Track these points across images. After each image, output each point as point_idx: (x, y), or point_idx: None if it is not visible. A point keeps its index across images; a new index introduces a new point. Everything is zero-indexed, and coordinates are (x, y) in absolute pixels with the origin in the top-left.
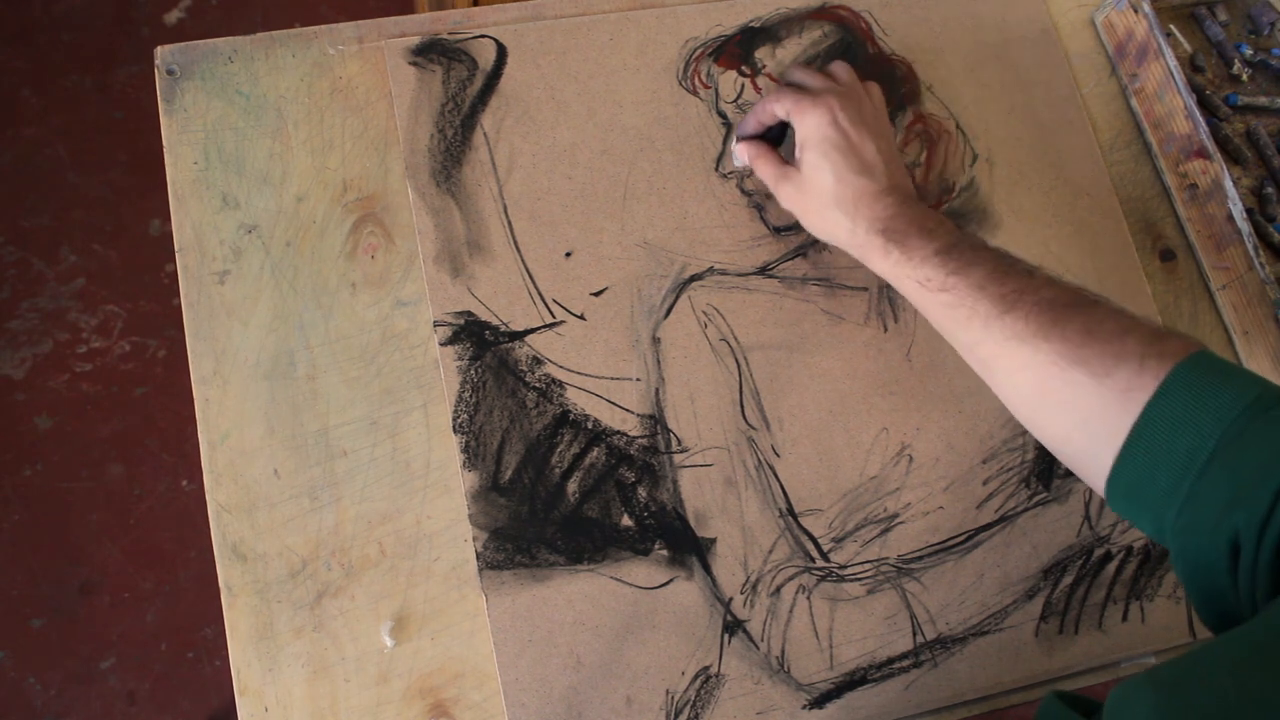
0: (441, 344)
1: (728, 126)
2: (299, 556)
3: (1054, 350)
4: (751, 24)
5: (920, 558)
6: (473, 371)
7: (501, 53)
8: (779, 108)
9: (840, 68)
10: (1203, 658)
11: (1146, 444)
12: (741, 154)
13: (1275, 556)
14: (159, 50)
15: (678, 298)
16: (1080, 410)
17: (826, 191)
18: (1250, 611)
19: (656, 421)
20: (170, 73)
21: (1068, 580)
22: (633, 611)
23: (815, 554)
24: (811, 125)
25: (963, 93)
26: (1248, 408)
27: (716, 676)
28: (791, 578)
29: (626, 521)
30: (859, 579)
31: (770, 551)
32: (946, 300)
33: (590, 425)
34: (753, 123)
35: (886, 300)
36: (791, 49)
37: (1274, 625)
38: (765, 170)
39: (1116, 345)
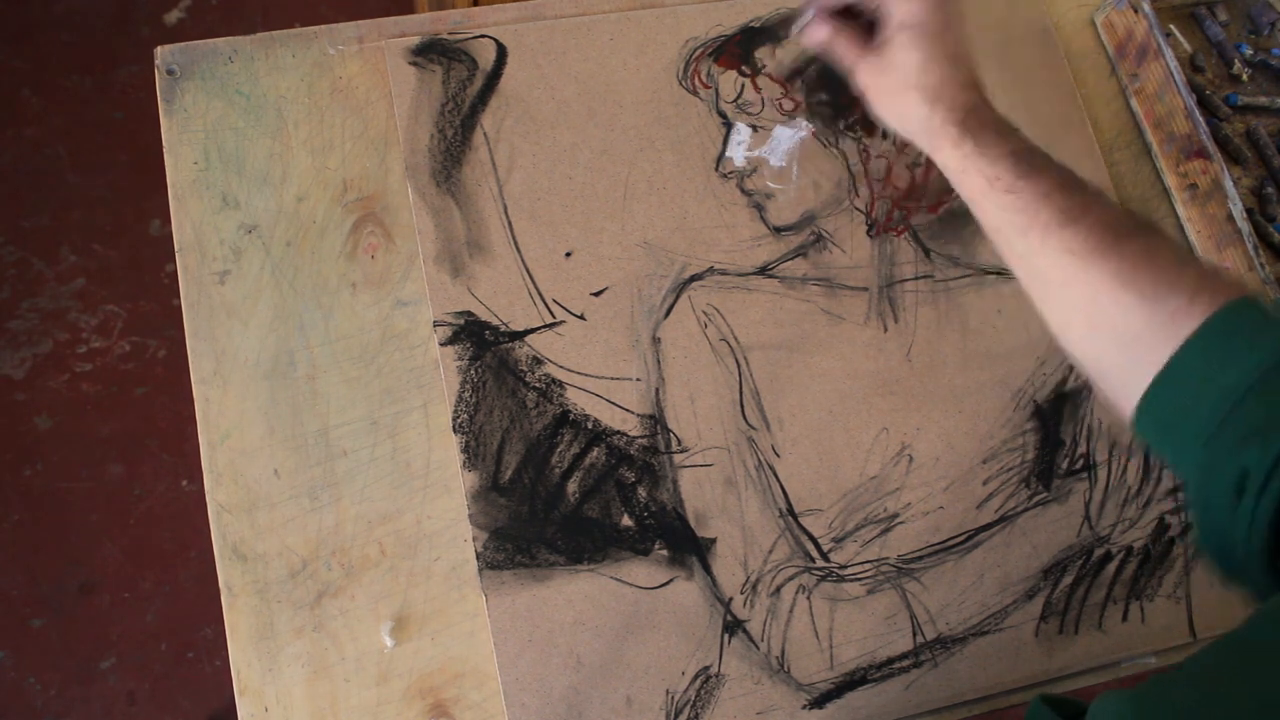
0: (441, 344)
1: (728, 126)
2: (299, 556)
3: (1109, 269)
4: (751, 24)
5: (920, 558)
6: (473, 371)
7: (501, 53)
8: None
9: None
10: (1178, 674)
11: (1183, 375)
12: (818, 29)
13: (1276, 506)
14: (159, 50)
15: (678, 298)
16: (1125, 332)
17: (911, 74)
18: (1243, 555)
19: (656, 421)
20: (170, 73)
21: (1068, 580)
22: (633, 611)
23: (815, 554)
24: (914, 6)
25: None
26: None
27: (716, 676)
28: (791, 578)
29: (626, 521)
30: (859, 579)
31: (770, 551)
32: (1010, 203)
33: (590, 425)
34: (824, 3)
35: (886, 300)
36: (791, 49)
37: (1246, 640)
38: (846, 47)
39: (1172, 274)
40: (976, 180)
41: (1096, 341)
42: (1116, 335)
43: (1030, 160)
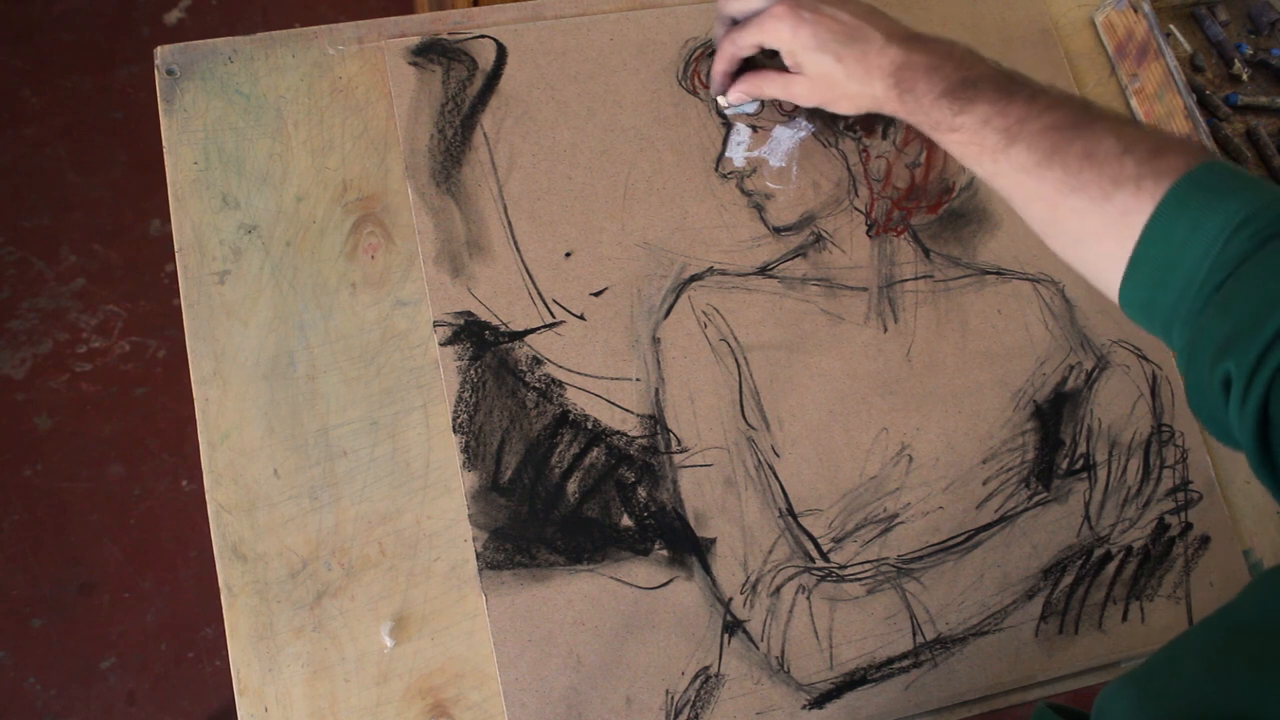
0: (441, 344)
1: (728, 126)
2: (299, 556)
3: (1055, 179)
4: None
5: (920, 558)
6: (473, 371)
7: (501, 53)
8: (744, 40)
9: None
10: (1176, 651)
11: (1146, 268)
12: (739, 94)
13: (1258, 413)
14: (159, 50)
15: (678, 298)
16: (1086, 236)
17: (837, 74)
18: (1245, 444)
19: (656, 421)
20: (170, 73)
21: (1068, 580)
22: (633, 611)
23: (815, 554)
24: (786, 31)
25: None
26: (1235, 230)
27: (716, 676)
28: (791, 578)
29: (626, 521)
30: (859, 579)
31: (770, 551)
32: (958, 139)
33: (590, 425)
34: (721, 71)
35: (886, 300)
36: None
37: (1240, 619)
38: (771, 87)
39: (1114, 168)
40: (926, 127)
41: (1069, 247)
42: (1081, 240)
43: (963, 92)
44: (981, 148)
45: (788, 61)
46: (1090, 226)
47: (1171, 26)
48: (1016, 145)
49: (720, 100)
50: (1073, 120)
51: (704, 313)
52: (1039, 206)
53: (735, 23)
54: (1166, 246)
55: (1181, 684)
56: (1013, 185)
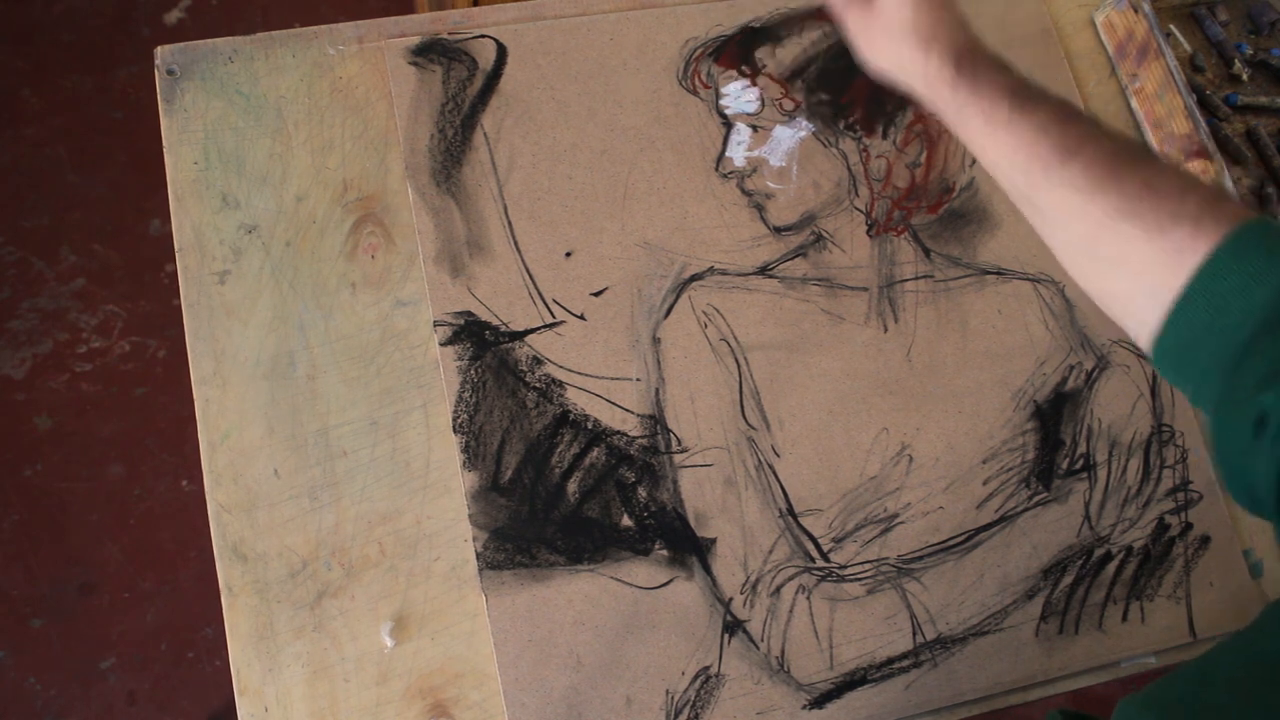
0: (441, 344)
1: (728, 126)
2: (299, 556)
3: (1110, 203)
4: (751, 24)
5: (920, 558)
6: (473, 371)
7: (501, 53)
8: None
9: None
10: (1200, 677)
11: (1195, 309)
12: None
13: None
14: (159, 50)
15: (678, 298)
16: (1131, 266)
17: (905, 19)
18: (1264, 491)
19: (656, 421)
20: (170, 73)
21: (1068, 580)
22: (633, 611)
23: (815, 554)
24: None
25: None
26: None
27: (716, 676)
28: (791, 578)
29: (626, 521)
30: (859, 579)
31: (770, 551)
32: (1008, 140)
33: (590, 425)
34: None
35: (886, 300)
36: (791, 49)
37: (1264, 649)
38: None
39: (1174, 203)
40: (974, 119)
41: (1106, 276)
42: (1123, 269)
43: (1026, 94)
44: (1032, 155)
45: None
46: (1136, 256)
47: (1171, 26)
48: (1074, 161)
49: None
50: (1132, 151)
51: (704, 313)
52: (1081, 226)
53: None
54: (1222, 290)
55: (1210, 715)
56: (1056, 200)
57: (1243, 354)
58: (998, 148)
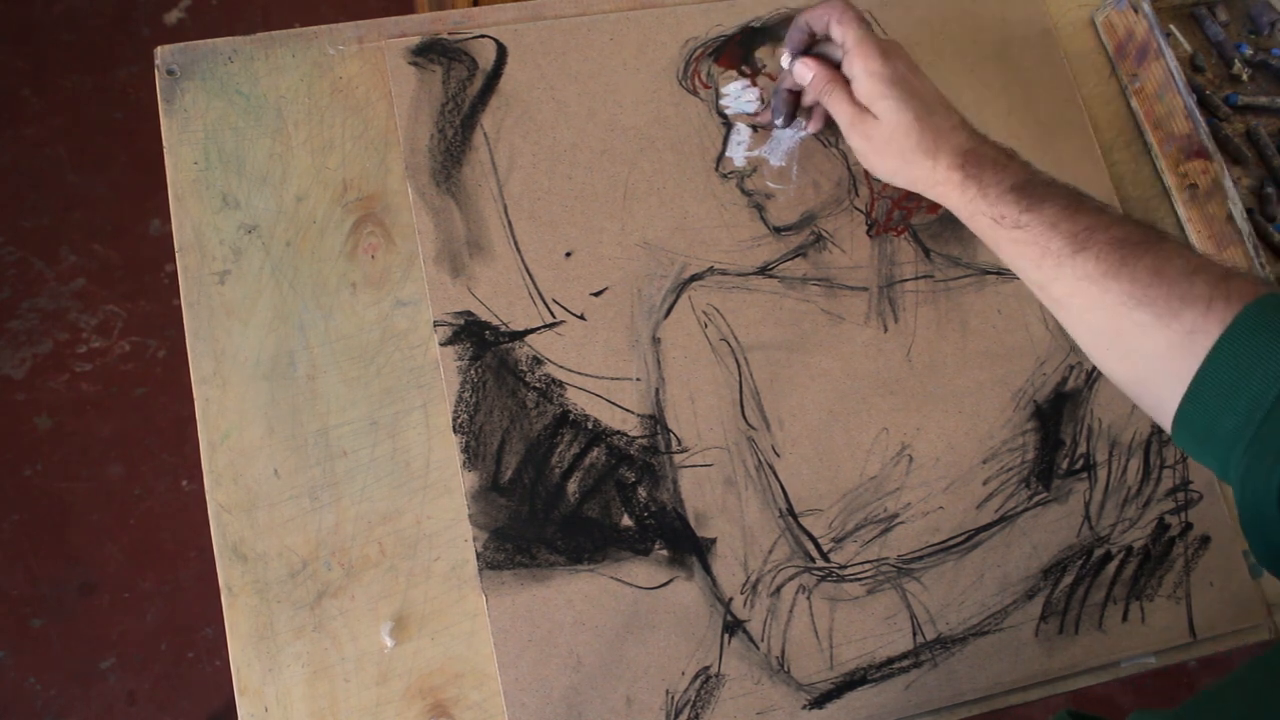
0: (441, 344)
1: (728, 126)
2: (299, 556)
3: (1122, 291)
4: (751, 24)
5: (920, 558)
6: (473, 371)
7: (501, 53)
8: (843, 32)
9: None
10: (1220, 692)
11: (1210, 389)
12: (806, 73)
13: None
14: (159, 50)
15: (678, 298)
16: (1147, 352)
17: (910, 132)
18: None
19: (656, 421)
20: (170, 73)
21: (1068, 580)
22: (633, 611)
23: (815, 554)
24: (890, 66)
25: (963, 93)
26: None
27: (716, 676)
28: (791, 578)
29: (626, 521)
30: (859, 579)
31: (770, 551)
32: (1020, 238)
33: (590, 425)
34: (799, 38)
35: (886, 300)
36: None
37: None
38: (841, 108)
39: (1183, 286)
40: (983, 222)
41: (1124, 362)
42: (1140, 355)
43: (1033, 192)
44: (1045, 250)
45: (860, 93)
46: (1153, 343)
47: (1171, 26)
48: (1085, 253)
49: (785, 60)
50: (1141, 236)
51: (704, 313)
52: (1097, 316)
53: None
54: (1234, 369)
55: (1226, 715)
56: (1070, 292)
57: (1261, 426)
58: (1012, 245)
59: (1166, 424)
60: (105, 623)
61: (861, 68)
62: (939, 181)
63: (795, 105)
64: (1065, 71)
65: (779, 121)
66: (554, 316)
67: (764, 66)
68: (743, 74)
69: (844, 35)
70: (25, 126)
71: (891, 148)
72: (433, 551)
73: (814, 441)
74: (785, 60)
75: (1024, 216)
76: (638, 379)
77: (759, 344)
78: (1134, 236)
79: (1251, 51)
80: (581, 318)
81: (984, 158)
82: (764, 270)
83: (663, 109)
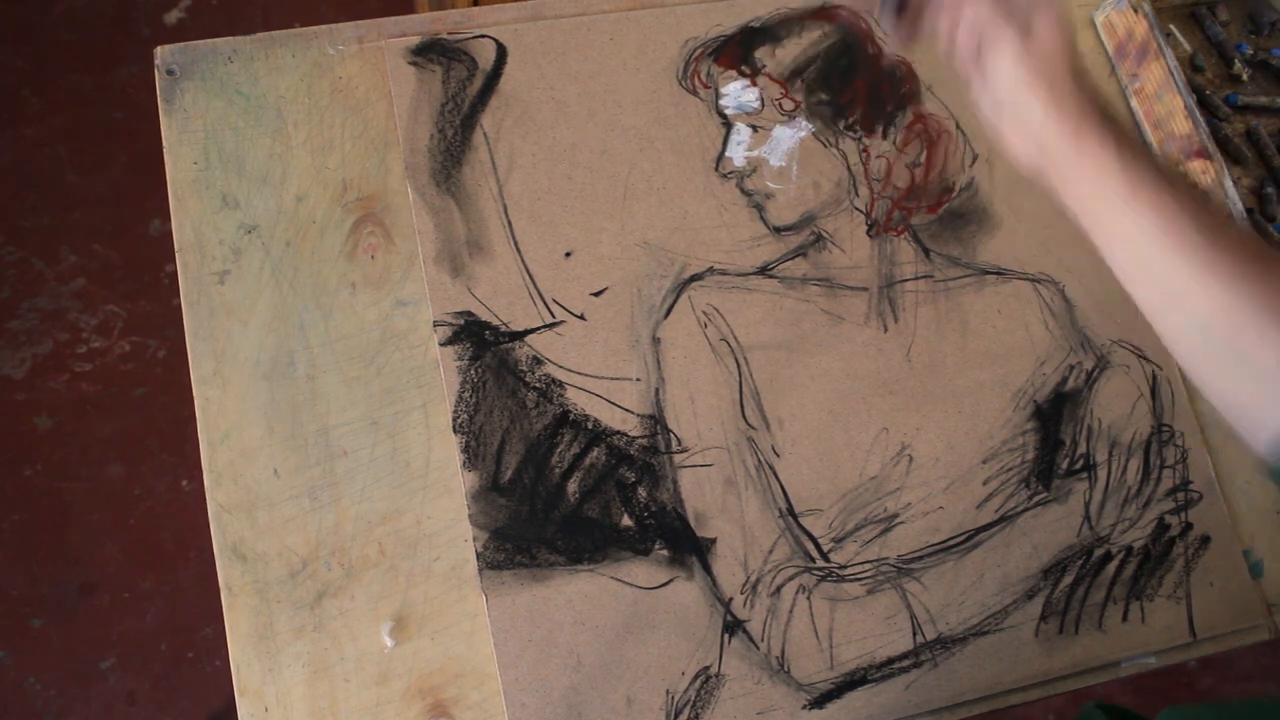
0: (441, 344)
1: (728, 126)
2: (299, 556)
3: (1257, 297)
4: (751, 24)
5: (920, 558)
6: (473, 371)
7: (501, 53)
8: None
9: None
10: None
11: None
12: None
13: None
14: (159, 50)
15: (678, 298)
16: (1264, 367)
17: (1068, 58)
18: None
19: (656, 421)
20: (170, 73)
21: (1068, 580)
22: (633, 611)
23: (815, 554)
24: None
25: (963, 93)
26: None
27: (716, 676)
28: (791, 578)
29: (626, 521)
30: (859, 579)
31: (770, 551)
32: (1152, 216)
33: (590, 425)
34: None
35: (886, 300)
36: (791, 49)
37: None
38: (990, 18)
39: None
40: (1118, 188)
41: (1229, 371)
42: (1255, 368)
43: (1168, 171)
44: (1177, 235)
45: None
46: (1274, 359)
47: (1171, 26)
48: (1217, 246)
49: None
50: (1273, 251)
51: (704, 313)
52: (1222, 321)
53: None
54: None
55: None
56: (1194, 290)
57: None
58: (1138, 222)
59: (1258, 438)
60: (105, 623)
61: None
62: (1068, 137)
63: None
64: None
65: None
66: (554, 316)
67: (764, 66)
68: (742, 74)
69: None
70: (25, 126)
71: (1024, 93)
72: (433, 551)
73: (814, 441)
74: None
75: (1164, 195)
76: (638, 379)
77: (759, 344)
78: (1265, 246)
79: (1251, 51)
80: (581, 318)
81: (1122, 126)
82: (764, 270)
83: (663, 109)
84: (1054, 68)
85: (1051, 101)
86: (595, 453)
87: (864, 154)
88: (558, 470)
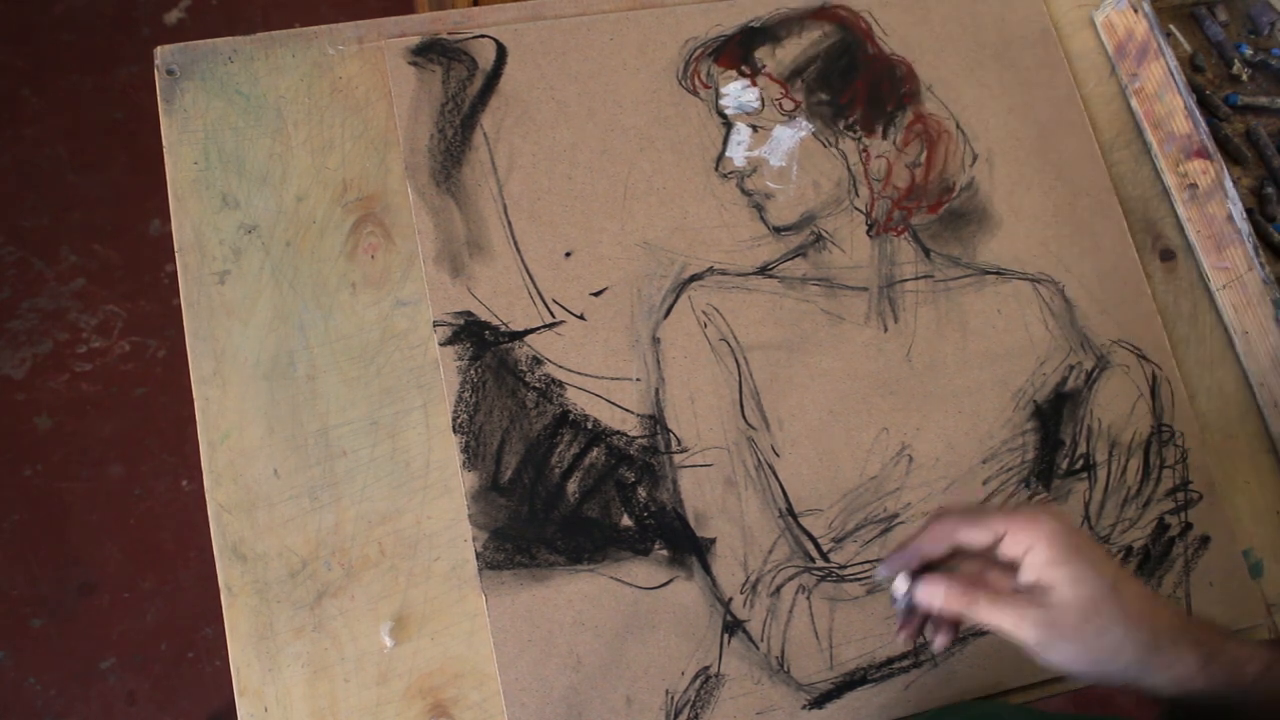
0: (441, 344)
1: (728, 126)
2: (299, 556)
3: None
4: (751, 24)
5: None
6: (473, 371)
7: (501, 53)
8: (974, 526)
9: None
10: None
11: None
12: (932, 594)
13: None
14: (159, 50)
15: (678, 298)
16: None
17: (1104, 603)
18: None
19: (656, 421)
20: (170, 73)
21: None
22: (633, 611)
23: (815, 554)
24: (1060, 532)
25: (963, 93)
26: None
27: (716, 676)
28: (791, 578)
29: (626, 521)
30: (859, 579)
31: (770, 551)
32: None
33: (590, 425)
34: (915, 551)
35: (886, 300)
36: (791, 49)
37: None
38: (1001, 612)
39: None
40: (1251, 692)
41: None
42: None
43: (1263, 644)
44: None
45: (1027, 578)
46: None
47: (1171, 26)
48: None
49: (882, 573)
50: None
51: (704, 313)
52: None
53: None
54: None
55: None
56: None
57: None
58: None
59: None
60: (105, 623)
61: (1025, 538)
62: (1162, 653)
63: (923, 622)
64: (1065, 71)
65: (909, 640)
66: (554, 316)
67: (764, 66)
68: (742, 74)
69: (984, 525)
70: (25, 126)
71: (1086, 627)
72: (433, 551)
73: (814, 441)
74: (898, 585)
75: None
76: (637, 379)
77: (759, 344)
78: None
79: (1251, 51)
80: (581, 318)
81: (1198, 622)
82: (764, 270)
83: (663, 109)
84: (1098, 615)
85: (1118, 648)
86: (595, 453)
87: (864, 154)
88: (557, 470)
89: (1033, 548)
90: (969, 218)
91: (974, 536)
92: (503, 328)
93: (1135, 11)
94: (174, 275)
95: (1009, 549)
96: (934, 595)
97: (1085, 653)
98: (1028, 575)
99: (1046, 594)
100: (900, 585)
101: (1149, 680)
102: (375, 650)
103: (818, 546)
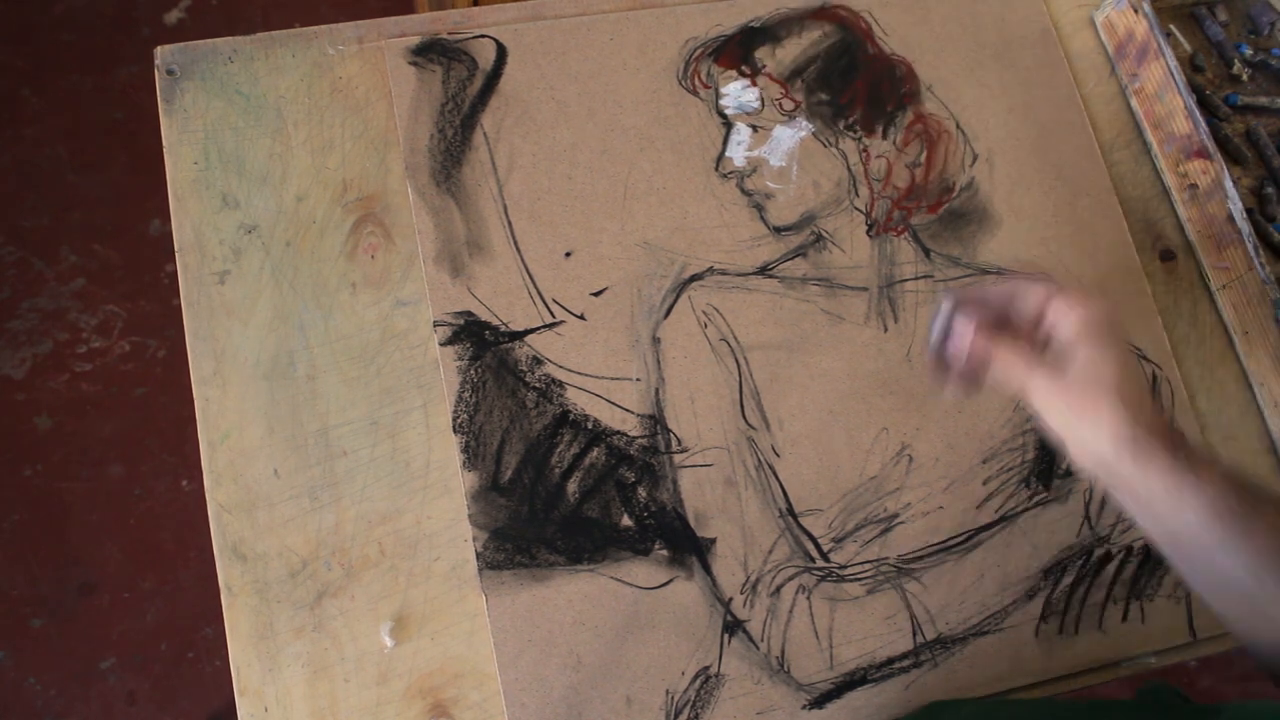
0: (441, 344)
1: (728, 126)
2: (299, 556)
3: None
4: (751, 24)
5: (920, 558)
6: (473, 371)
7: (501, 53)
8: (1033, 296)
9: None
10: None
11: None
12: (968, 339)
13: None
14: (159, 50)
15: (678, 298)
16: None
17: (1109, 382)
18: None
19: (656, 421)
20: (170, 73)
21: (1068, 580)
22: (633, 611)
23: (815, 554)
24: (1095, 312)
25: (963, 93)
26: None
27: (716, 676)
28: (791, 578)
29: (626, 521)
30: (859, 579)
31: (770, 551)
32: (1236, 537)
33: (590, 425)
34: (979, 309)
35: (886, 300)
36: (791, 49)
37: None
38: (1013, 359)
39: None
40: (1197, 504)
41: (1254, 617)
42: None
43: (1249, 484)
44: (1270, 558)
45: (1056, 342)
46: None
47: (1171, 26)
48: (1259, 519)
49: (934, 331)
50: None
51: (704, 313)
52: (1243, 579)
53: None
54: None
55: None
56: (1236, 562)
57: None
58: (1223, 544)
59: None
60: (105, 623)
61: (1059, 309)
62: (1139, 445)
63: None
64: (1065, 71)
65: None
66: (554, 316)
67: (764, 66)
68: (742, 74)
69: (1035, 297)
70: (25, 126)
71: (1084, 400)
72: (433, 551)
73: (814, 441)
74: (944, 305)
75: (1249, 517)
76: (638, 379)
77: (759, 344)
78: None
79: (1251, 51)
80: (581, 318)
81: (1188, 439)
82: (764, 270)
83: (663, 109)
84: (1095, 396)
85: (1098, 427)
86: (595, 453)
87: (864, 154)
88: (558, 470)
89: (1069, 318)
90: (969, 218)
91: (1030, 297)
92: (503, 328)
93: (1135, 11)
94: (174, 275)
95: (1051, 313)
96: (971, 315)
97: (1080, 420)
98: (1057, 339)
99: (1061, 360)
100: (946, 304)
101: (1126, 472)
102: (375, 650)
103: (818, 546)
